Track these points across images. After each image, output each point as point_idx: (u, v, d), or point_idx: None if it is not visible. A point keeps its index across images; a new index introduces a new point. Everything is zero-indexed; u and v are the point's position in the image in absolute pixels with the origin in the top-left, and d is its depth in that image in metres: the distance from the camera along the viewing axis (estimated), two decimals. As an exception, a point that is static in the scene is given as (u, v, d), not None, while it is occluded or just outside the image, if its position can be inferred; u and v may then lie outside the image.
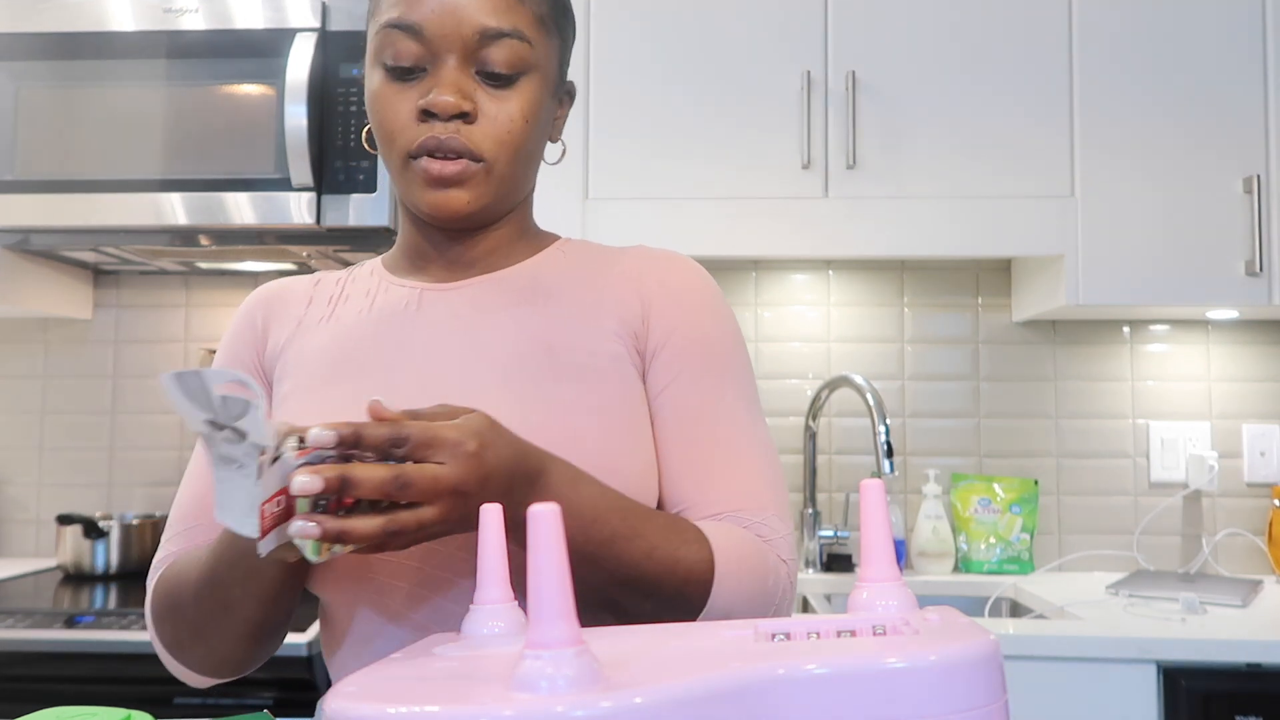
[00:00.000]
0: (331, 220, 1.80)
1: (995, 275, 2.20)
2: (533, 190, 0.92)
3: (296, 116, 1.75)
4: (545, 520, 0.40)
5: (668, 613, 0.74)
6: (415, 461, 0.63)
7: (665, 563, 0.73)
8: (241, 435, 0.59)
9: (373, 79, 0.84)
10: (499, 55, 0.81)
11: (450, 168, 0.81)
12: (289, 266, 2.16)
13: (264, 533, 0.60)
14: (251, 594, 0.76)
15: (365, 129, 0.90)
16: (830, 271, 2.20)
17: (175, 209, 1.81)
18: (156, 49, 1.83)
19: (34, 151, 1.84)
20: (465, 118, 0.81)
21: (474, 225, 0.87)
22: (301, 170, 1.76)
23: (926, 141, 1.85)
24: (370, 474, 0.61)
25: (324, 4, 1.82)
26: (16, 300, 2.03)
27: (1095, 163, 1.84)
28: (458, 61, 0.81)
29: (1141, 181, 1.84)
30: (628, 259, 0.90)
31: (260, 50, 1.81)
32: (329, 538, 0.60)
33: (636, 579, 0.72)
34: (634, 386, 0.84)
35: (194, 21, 1.83)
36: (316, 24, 1.81)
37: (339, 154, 1.80)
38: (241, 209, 1.80)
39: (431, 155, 0.81)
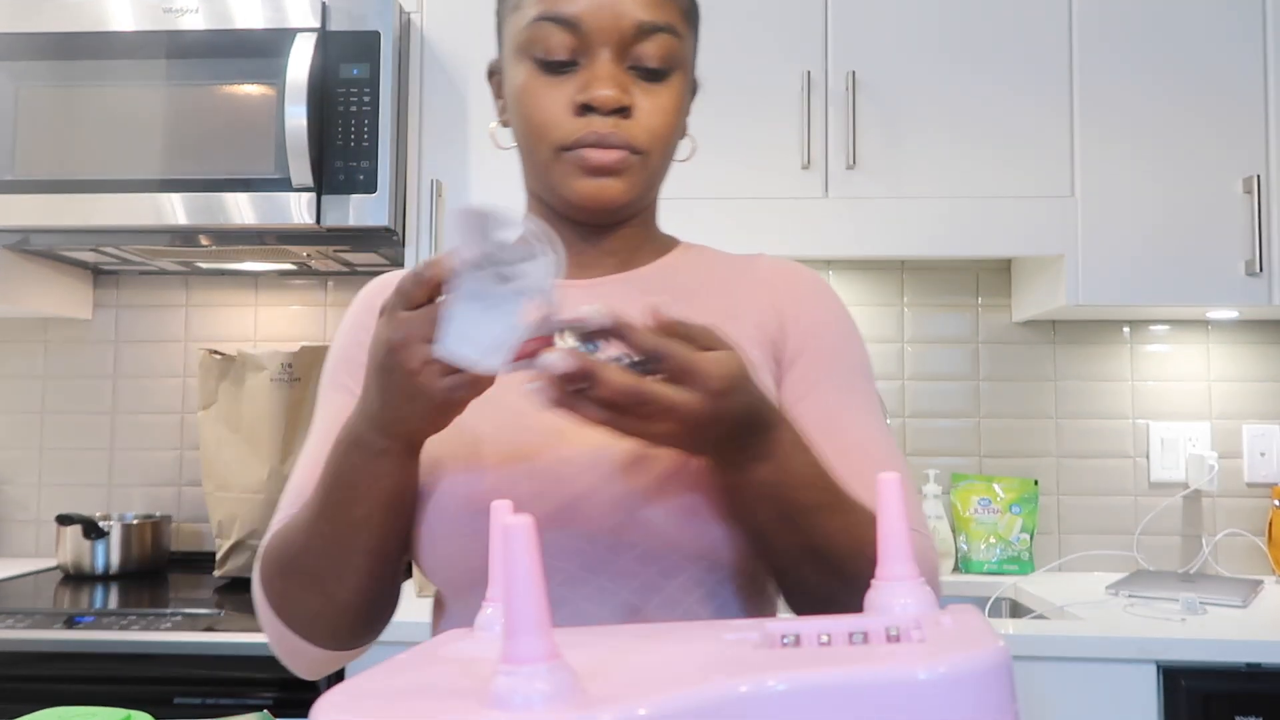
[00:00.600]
0: (331, 220, 1.80)
1: (995, 275, 2.20)
2: (659, 191, 0.92)
3: (296, 116, 1.74)
4: (518, 533, 0.39)
5: (845, 593, 0.74)
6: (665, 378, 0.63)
7: (858, 542, 0.73)
8: (506, 279, 0.60)
9: (518, 72, 0.83)
10: (653, 49, 0.81)
11: (610, 156, 0.80)
12: (289, 266, 2.16)
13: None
14: (372, 508, 0.74)
15: (495, 122, 0.90)
16: (830, 271, 2.20)
17: (175, 209, 1.81)
18: (156, 49, 1.83)
19: (34, 151, 1.84)
20: (623, 112, 0.80)
21: (618, 219, 0.87)
22: (301, 170, 1.76)
23: (926, 141, 1.85)
24: (615, 379, 0.61)
25: (324, 4, 1.82)
26: (16, 300, 2.03)
27: (1095, 162, 1.84)
28: (612, 55, 0.80)
29: (1141, 181, 1.84)
30: (759, 267, 0.91)
31: (260, 50, 1.81)
32: (577, 377, 0.60)
33: (827, 551, 0.73)
34: (771, 393, 0.84)
35: (194, 21, 1.83)
36: (316, 24, 1.81)
37: (339, 154, 1.80)
38: (241, 209, 1.80)
39: (589, 148, 0.81)
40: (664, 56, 0.82)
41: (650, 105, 0.82)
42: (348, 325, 0.92)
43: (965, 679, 0.41)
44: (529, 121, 0.82)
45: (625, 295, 0.87)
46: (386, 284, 0.92)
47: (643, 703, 0.39)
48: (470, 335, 0.60)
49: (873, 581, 0.51)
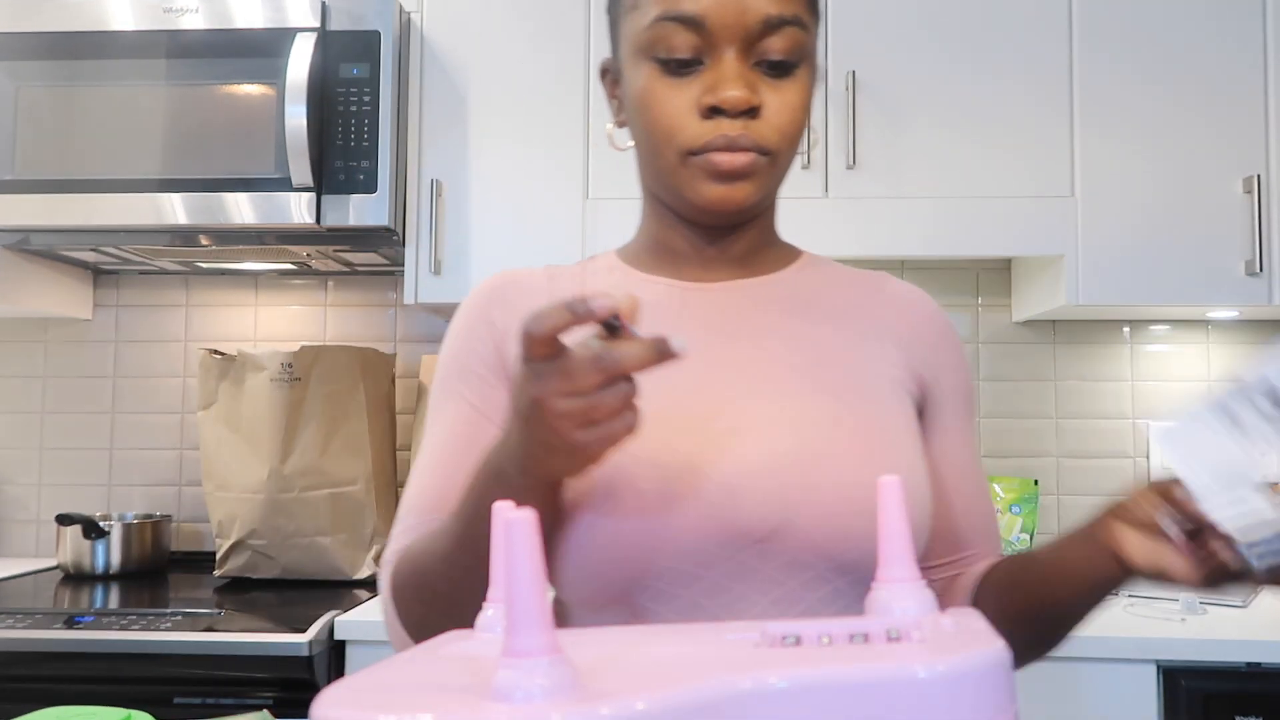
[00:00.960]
0: (331, 220, 1.80)
1: (995, 275, 2.20)
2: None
3: (296, 116, 1.74)
4: (520, 527, 0.40)
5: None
6: None
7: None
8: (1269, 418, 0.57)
9: (639, 74, 0.80)
10: (780, 44, 0.78)
11: (739, 159, 0.77)
12: (289, 266, 2.16)
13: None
14: None
15: (612, 124, 0.87)
16: (830, 271, 2.20)
17: (175, 209, 1.81)
18: (156, 49, 1.83)
19: (34, 151, 1.84)
20: (752, 113, 0.77)
21: (743, 220, 0.85)
22: (301, 170, 1.76)
23: (926, 141, 1.85)
24: None
25: (324, 4, 1.82)
26: (16, 300, 2.03)
27: (1095, 162, 1.84)
28: (738, 53, 0.77)
29: (1141, 181, 1.84)
30: (887, 289, 0.90)
31: (260, 50, 1.81)
32: None
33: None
34: (914, 416, 0.84)
35: (194, 21, 1.83)
36: (316, 24, 1.81)
37: (339, 154, 1.80)
38: (241, 209, 1.80)
39: (717, 152, 0.77)
40: (791, 50, 0.78)
41: (778, 103, 0.78)
42: (460, 331, 0.88)
43: (964, 678, 0.41)
44: (653, 125, 0.79)
45: (753, 302, 0.84)
46: (497, 288, 0.88)
47: (642, 697, 0.39)
48: (1201, 453, 0.58)
49: (873, 583, 0.51)
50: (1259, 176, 1.81)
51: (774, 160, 0.79)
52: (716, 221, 0.84)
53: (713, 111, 0.77)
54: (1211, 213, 1.82)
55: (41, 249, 2.00)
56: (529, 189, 1.89)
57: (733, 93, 0.75)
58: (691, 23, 0.76)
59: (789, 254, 0.91)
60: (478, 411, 0.84)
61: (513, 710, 0.38)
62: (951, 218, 1.83)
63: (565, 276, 0.89)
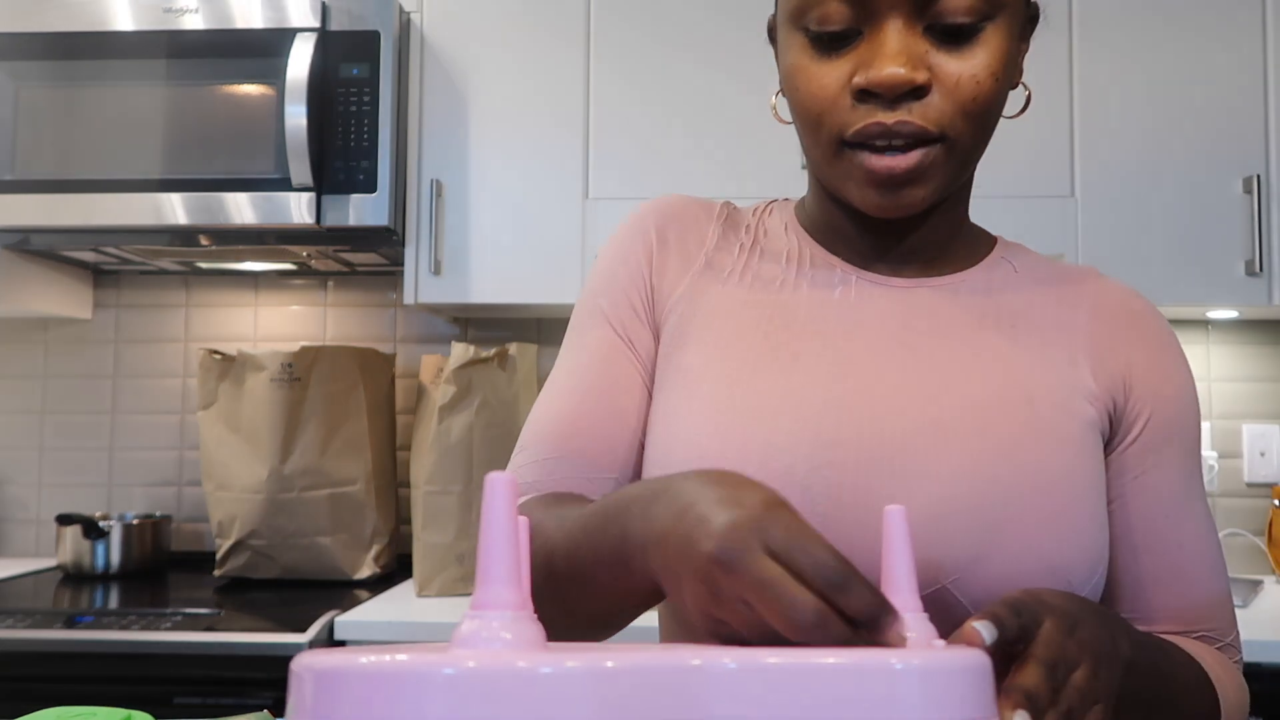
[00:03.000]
0: (331, 220, 1.80)
1: (995, 275, 2.20)
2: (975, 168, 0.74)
3: (296, 116, 1.74)
4: (497, 487, 0.41)
5: None
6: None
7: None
8: None
9: (789, 46, 0.68)
10: (958, 2, 0.63)
11: (902, 163, 0.65)
12: (289, 266, 2.16)
13: None
14: (621, 607, 0.60)
15: (775, 96, 0.75)
16: (830, 272, 2.20)
17: (175, 209, 1.81)
18: (156, 49, 1.83)
19: (34, 151, 1.84)
20: (916, 93, 0.64)
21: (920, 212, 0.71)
22: (301, 170, 1.76)
23: (926, 141, 1.85)
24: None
25: (324, 4, 1.82)
26: (16, 300, 2.03)
27: (1095, 163, 1.84)
28: (904, 20, 0.63)
29: (1141, 181, 1.84)
30: (1093, 288, 0.76)
31: (260, 50, 1.81)
32: None
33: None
34: (1100, 463, 0.71)
35: (194, 21, 1.83)
36: (316, 24, 1.81)
37: (339, 154, 1.80)
38: (241, 209, 1.80)
39: (873, 147, 0.65)
40: (973, 7, 0.63)
41: (958, 72, 0.64)
42: (615, 255, 0.78)
43: (939, 675, 0.41)
44: (802, 108, 0.67)
45: (937, 311, 0.72)
46: (668, 211, 0.78)
47: (599, 655, 0.39)
48: None
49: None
50: (1259, 176, 1.81)
51: (951, 146, 0.66)
52: (897, 218, 0.72)
53: (865, 95, 0.64)
54: (1211, 213, 1.83)
55: (41, 249, 2.00)
56: (529, 189, 1.89)
57: (888, 70, 0.63)
58: None
59: (981, 244, 0.78)
60: (626, 342, 0.75)
61: (479, 653, 0.38)
62: (951, 218, 1.83)
63: (739, 221, 0.78)
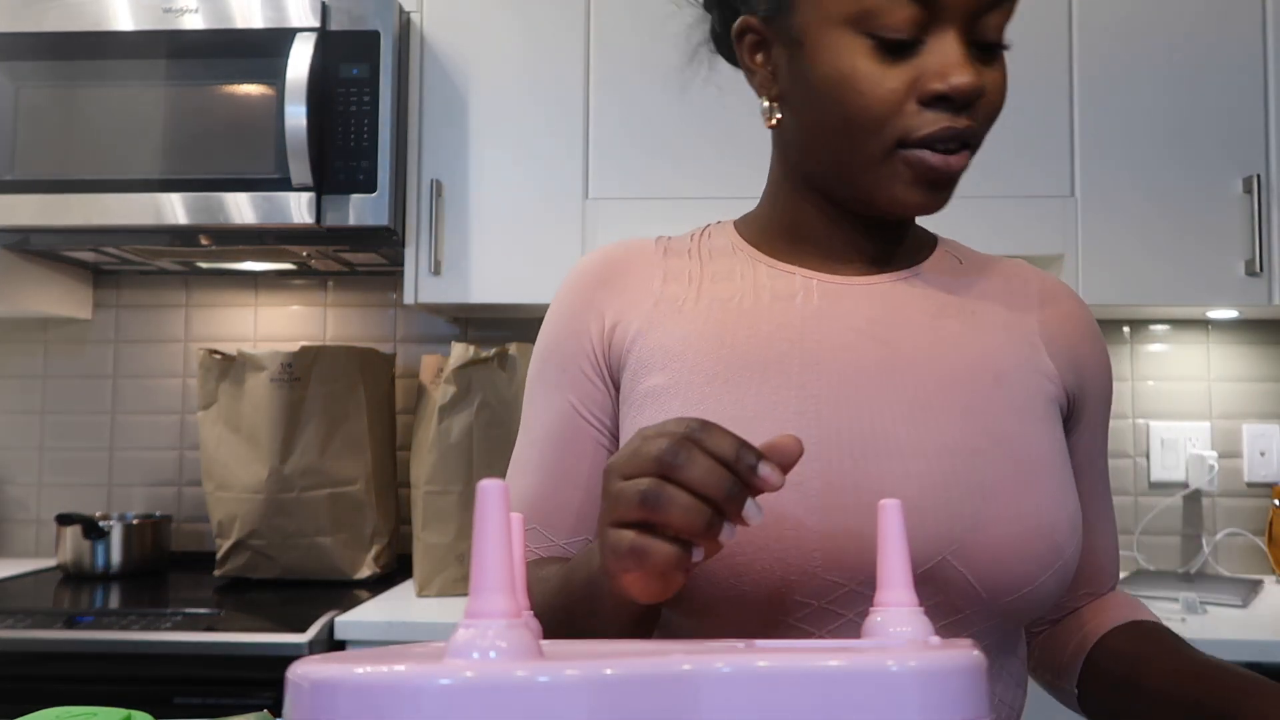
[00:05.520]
0: (331, 220, 1.80)
1: (995, 275, 2.20)
2: None
3: (296, 116, 1.74)
4: (490, 494, 0.41)
5: None
6: None
7: None
8: None
9: (844, 49, 0.68)
10: (998, 21, 0.69)
11: (956, 164, 0.69)
12: (289, 266, 2.16)
13: None
14: (614, 623, 0.63)
15: (770, 107, 0.75)
16: (830, 271, 2.20)
17: (175, 209, 1.81)
18: (156, 49, 1.83)
19: (34, 151, 1.84)
20: (973, 100, 0.68)
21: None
22: (301, 170, 1.76)
23: (926, 141, 1.85)
24: None
25: (324, 4, 1.82)
26: (16, 300, 2.03)
27: (1095, 163, 1.84)
28: (958, 32, 0.67)
29: (1141, 181, 1.83)
30: (1032, 279, 0.80)
31: (260, 50, 1.81)
32: None
33: None
34: (1063, 436, 0.75)
35: (194, 21, 1.83)
36: (316, 24, 1.81)
37: (339, 154, 1.80)
38: (241, 209, 1.80)
39: (934, 148, 0.68)
40: (1003, 27, 0.70)
41: (991, 86, 0.69)
42: (564, 314, 0.80)
43: (935, 676, 0.41)
44: (860, 111, 0.68)
45: (896, 304, 0.75)
46: (608, 267, 0.80)
47: (594, 663, 0.39)
48: None
49: (871, 608, 0.50)
50: (1259, 176, 1.81)
51: (974, 151, 0.71)
52: (888, 219, 0.75)
53: (937, 99, 0.67)
54: (1211, 213, 1.82)
55: (41, 249, 2.00)
56: (529, 189, 1.89)
57: (964, 79, 0.66)
58: None
59: (927, 241, 0.82)
60: (577, 412, 0.77)
61: (474, 663, 0.38)
62: (952, 218, 1.83)
63: (680, 251, 0.80)
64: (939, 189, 0.71)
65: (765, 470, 0.52)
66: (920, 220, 0.83)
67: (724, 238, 0.81)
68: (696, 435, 0.52)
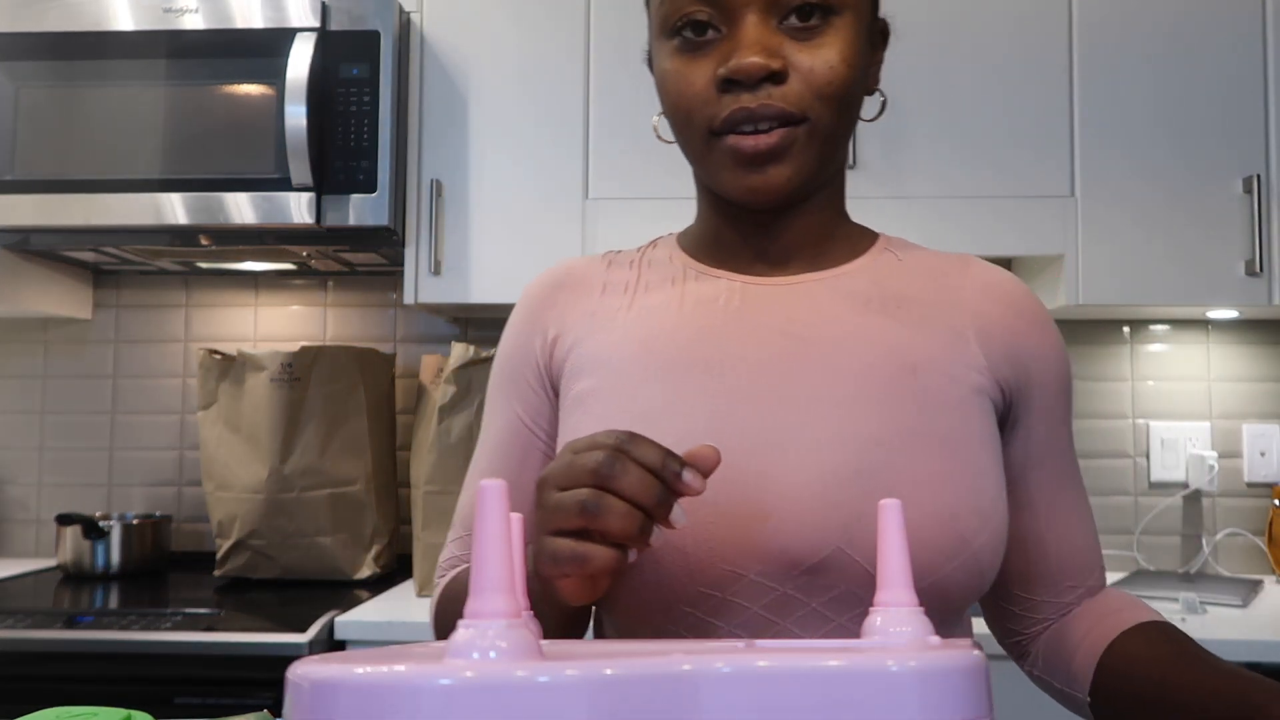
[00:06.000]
0: (331, 220, 1.80)
1: (995, 275, 2.20)
2: (845, 163, 0.82)
3: (296, 116, 1.74)
4: (490, 494, 0.41)
5: None
6: None
7: None
8: None
9: (661, 55, 0.74)
10: None
11: (766, 140, 0.70)
12: (289, 266, 2.17)
13: None
14: (555, 618, 0.66)
15: (656, 116, 0.80)
16: (830, 271, 2.20)
17: (175, 209, 1.81)
18: (156, 49, 1.83)
19: (34, 151, 1.84)
20: (775, 78, 0.69)
21: (790, 202, 0.76)
22: (301, 170, 1.76)
23: (926, 141, 1.85)
24: None
25: (324, 4, 1.82)
26: (16, 300, 2.03)
27: (1095, 163, 1.84)
28: (758, 15, 0.70)
29: (1141, 181, 1.83)
30: (973, 273, 0.81)
31: (260, 50, 1.81)
32: None
33: None
34: (993, 427, 0.75)
35: (194, 21, 1.83)
36: (316, 24, 1.81)
37: (339, 154, 1.80)
38: (241, 209, 1.80)
39: (740, 130, 0.70)
40: (819, 1, 0.70)
41: (810, 61, 0.70)
42: (513, 331, 0.84)
43: (935, 676, 0.41)
44: (674, 107, 0.73)
45: (820, 301, 0.76)
46: (555, 285, 0.83)
47: (594, 663, 0.39)
48: None
49: (871, 608, 0.50)
50: (1259, 176, 1.81)
51: (813, 128, 0.71)
52: (759, 208, 0.76)
53: (728, 84, 0.70)
54: (1211, 213, 1.82)
55: (41, 249, 2.00)
56: (529, 189, 1.89)
57: (746, 60, 0.68)
58: None
59: (863, 239, 0.82)
60: (521, 422, 0.82)
61: (475, 663, 0.39)
62: (951, 218, 1.83)
63: (624, 264, 0.83)
64: (760, 166, 0.71)
65: (689, 477, 0.56)
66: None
67: (665, 249, 0.84)
68: (626, 446, 0.56)
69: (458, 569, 0.84)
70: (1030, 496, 0.80)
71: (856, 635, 0.68)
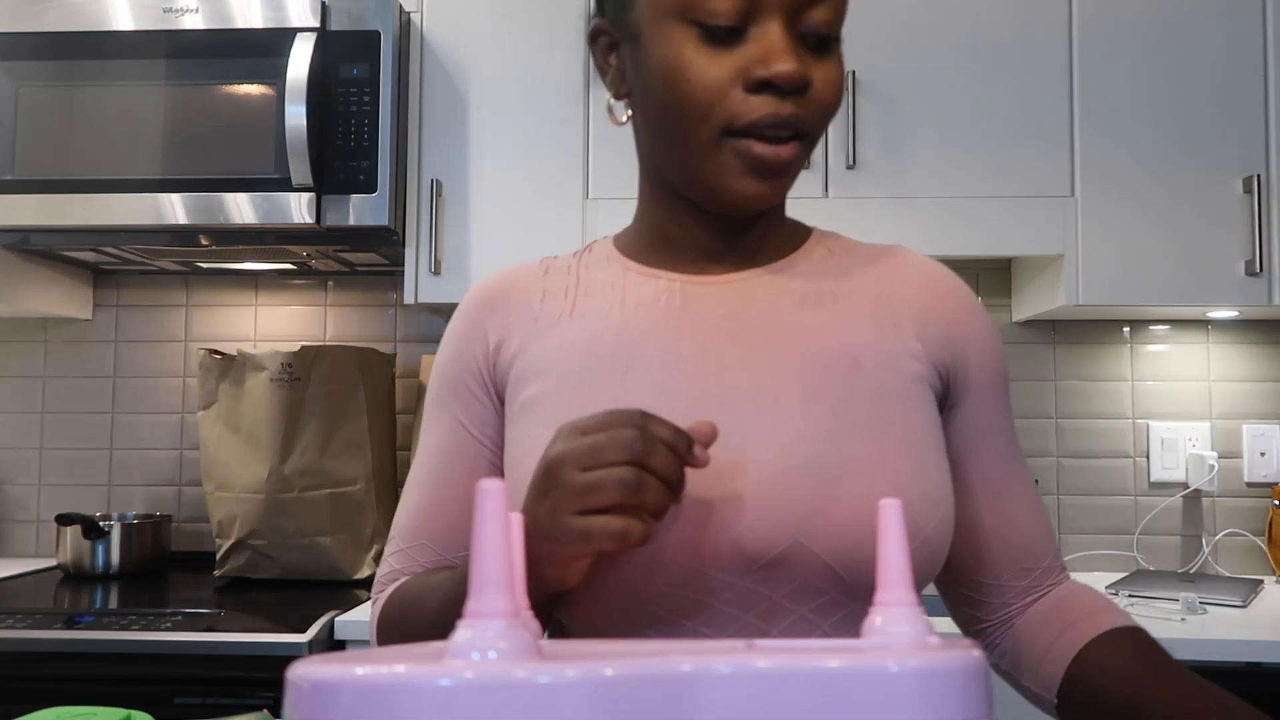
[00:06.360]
0: (331, 220, 1.80)
1: (995, 275, 2.20)
2: None
3: (296, 116, 1.75)
4: (489, 495, 0.41)
5: None
6: None
7: None
8: None
9: (670, 39, 0.70)
10: (824, 15, 0.70)
11: (786, 152, 0.70)
12: (289, 266, 2.17)
13: None
14: None
15: (610, 95, 0.78)
16: (830, 271, 2.20)
17: (175, 209, 1.81)
18: (156, 49, 1.83)
19: (34, 151, 1.84)
20: (801, 89, 0.69)
21: (763, 211, 0.77)
22: (301, 170, 1.76)
23: (926, 142, 1.85)
24: None
25: (324, 4, 1.82)
26: (16, 300, 2.03)
27: (1095, 163, 1.84)
28: (783, 22, 0.69)
29: (1141, 181, 1.84)
30: (905, 264, 0.82)
31: (260, 50, 1.81)
32: None
33: None
34: (935, 413, 0.77)
35: (194, 21, 1.83)
36: (316, 24, 1.81)
37: (339, 154, 1.80)
38: (241, 209, 1.80)
39: (761, 136, 0.70)
40: (832, 22, 0.71)
41: (823, 80, 0.71)
42: (452, 340, 0.84)
43: (936, 677, 0.41)
44: (688, 98, 0.70)
45: (759, 298, 0.77)
46: (489, 297, 0.83)
47: (594, 663, 0.39)
48: None
49: (871, 607, 0.50)
50: (1259, 176, 1.81)
51: (810, 144, 0.73)
52: (735, 213, 0.77)
53: (762, 86, 0.69)
54: (1211, 213, 1.82)
55: (41, 249, 2.00)
56: (529, 189, 1.89)
57: (787, 66, 0.68)
58: None
59: (797, 234, 0.83)
60: (465, 430, 0.81)
61: (474, 664, 0.39)
62: (951, 218, 1.83)
63: (560, 269, 0.83)
64: (770, 177, 0.71)
65: (698, 451, 0.60)
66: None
67: (602, 252, 0.84)
68: (645, 424, 0.59)
69: (399, 582, 0.82)
70: (973, 480, 0.81)
71: (820, 626, 0.70)
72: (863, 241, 0.85)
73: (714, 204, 0.75)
